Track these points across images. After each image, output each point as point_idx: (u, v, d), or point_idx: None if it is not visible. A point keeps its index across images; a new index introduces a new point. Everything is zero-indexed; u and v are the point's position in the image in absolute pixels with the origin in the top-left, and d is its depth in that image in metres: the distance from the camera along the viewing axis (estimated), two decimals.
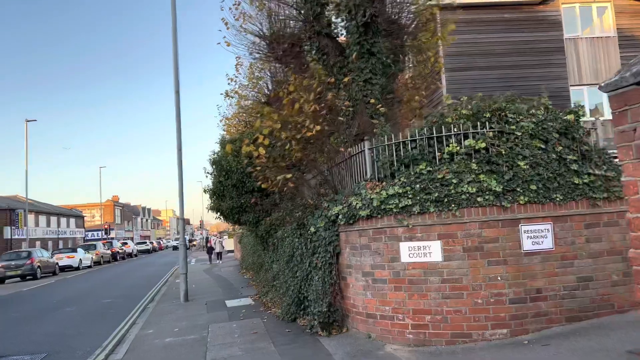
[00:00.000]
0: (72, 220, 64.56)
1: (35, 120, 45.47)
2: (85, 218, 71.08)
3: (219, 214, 14.96)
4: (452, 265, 6.38)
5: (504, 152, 6.57)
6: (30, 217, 47.52)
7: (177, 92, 14.20)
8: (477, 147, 6.61)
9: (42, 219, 54.55)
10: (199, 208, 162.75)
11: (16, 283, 25.83)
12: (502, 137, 6.68)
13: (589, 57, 19.24)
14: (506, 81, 17.51)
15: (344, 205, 7.35)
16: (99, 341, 9.11)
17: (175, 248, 67.82)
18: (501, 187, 6.38)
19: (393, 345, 6.58)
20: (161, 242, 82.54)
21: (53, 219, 57.66)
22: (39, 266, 27.38)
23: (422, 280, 6.49)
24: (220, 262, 30.54)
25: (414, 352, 6.26)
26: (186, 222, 14.49)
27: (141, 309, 12.91)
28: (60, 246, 51.57)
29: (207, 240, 38.65)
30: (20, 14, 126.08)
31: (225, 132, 22.97)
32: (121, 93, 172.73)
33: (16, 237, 45.28)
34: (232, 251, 38.69)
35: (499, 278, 6.30)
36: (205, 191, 15.19)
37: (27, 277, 26.85)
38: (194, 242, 75.94)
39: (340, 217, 7.37)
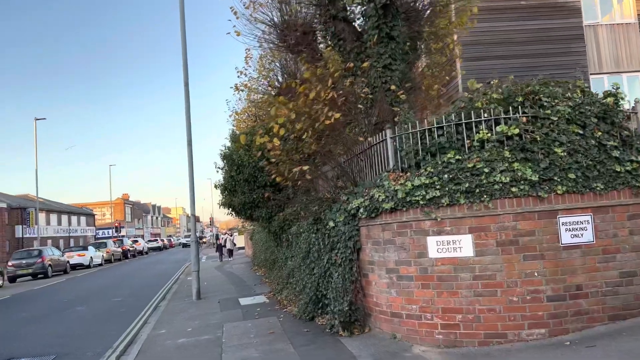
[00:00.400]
0: (83, 219, 64.71)
1: (45, 119, 45.46)
2: (95, 216, 71.25)
3: (230, 209, 14.62)
4: (484, 260, 5.93)
5: (539, 139, 6.10)
6: (41, 216, 47.62)
7: (187, 85, 13.82)
8: (509, 134, 6.14)
9: (53, 217, 54.67)
10: (208, 205, 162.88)
11: (27, 282, 25.72)
12: (536, 123, 6.20)
13: (609, 45, 18.59)
14: (524, 70, 16.88)
15: (365, 197, 6.92)
16: (110, 342, 8.78)
17: (184, 245, 67.76)
18: (537, 176, 5.92)
19: (421, 347, 6.15)
20: (172, 240, 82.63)
21: (64, 218, 57.80)
22: (50, 265, 27.26)
23: (452, 277, 6.05)
24: (231, 259, 30.26)
25: (444, 354, 5.84)
26: (196, 219, 14.18)
27: (153, 307, 12.59)
28: (72, 244, 51.68)
29: (217, 237, 38.38)
30: (23, 7, 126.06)
31: (234, 127, 22.65)
32: (127, 89, 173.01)
33: (27, 235, 45.37)
34: (242, 248, 38.43)
35: (535, 274, 5.85)
36: (216, 186, 14.85)
37: (39, 276, 26.73)
38: (204, 240, 75.92)
39: (361, 210, 6.95)
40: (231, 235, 34.94)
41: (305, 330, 7.84)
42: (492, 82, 6.67)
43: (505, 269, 5.88)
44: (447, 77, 11.16)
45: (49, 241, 47.70)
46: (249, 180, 12.82)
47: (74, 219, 61.12)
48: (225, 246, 31.63)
